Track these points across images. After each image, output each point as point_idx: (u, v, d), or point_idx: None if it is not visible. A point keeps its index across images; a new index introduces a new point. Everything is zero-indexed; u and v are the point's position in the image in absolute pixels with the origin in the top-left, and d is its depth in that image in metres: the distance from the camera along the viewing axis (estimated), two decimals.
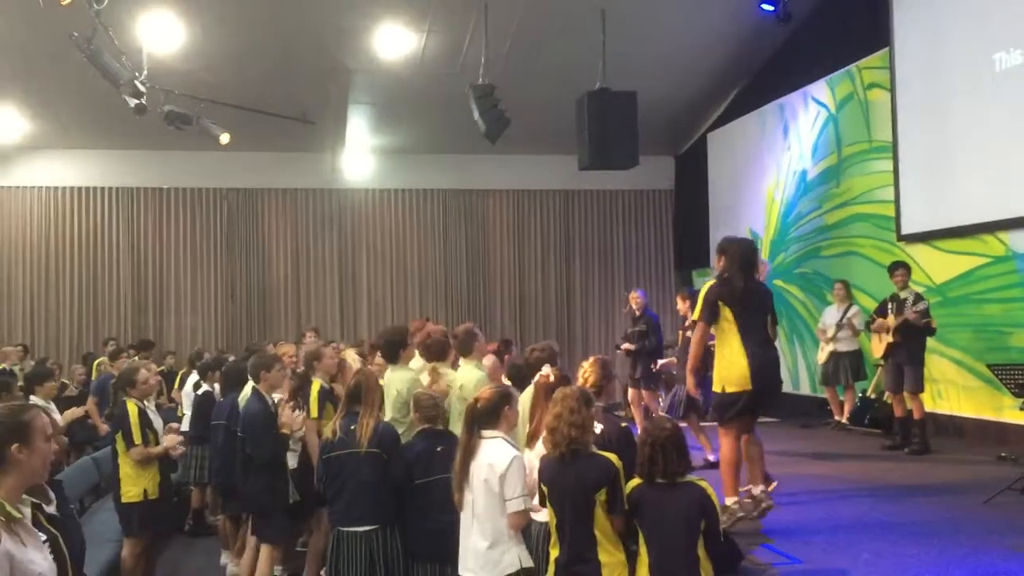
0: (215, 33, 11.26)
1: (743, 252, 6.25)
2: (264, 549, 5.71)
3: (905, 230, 10.47)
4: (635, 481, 4.01)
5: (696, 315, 6.29)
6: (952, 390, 9.74)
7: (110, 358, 10.92)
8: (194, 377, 8.52)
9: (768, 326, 6.19)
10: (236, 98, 11.89)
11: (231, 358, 8.89)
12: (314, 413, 6.10)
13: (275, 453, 5.72)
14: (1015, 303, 9.06)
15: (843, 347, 10.42)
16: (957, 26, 9.69)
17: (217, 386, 7.71)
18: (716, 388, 6.19)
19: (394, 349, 6.02)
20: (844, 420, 10.50)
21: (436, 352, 6.11)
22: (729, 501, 6.02)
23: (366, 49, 11.83)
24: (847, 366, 10.43)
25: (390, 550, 4.84)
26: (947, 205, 9.83)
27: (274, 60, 12.04)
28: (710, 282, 6.30)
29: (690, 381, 6.58)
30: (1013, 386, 7.10)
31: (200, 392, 8.03)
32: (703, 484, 3.95)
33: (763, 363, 6.07)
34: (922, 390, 8.93)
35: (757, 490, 6.07)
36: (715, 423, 6.80)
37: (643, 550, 3.94)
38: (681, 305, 9.36)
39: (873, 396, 10.31)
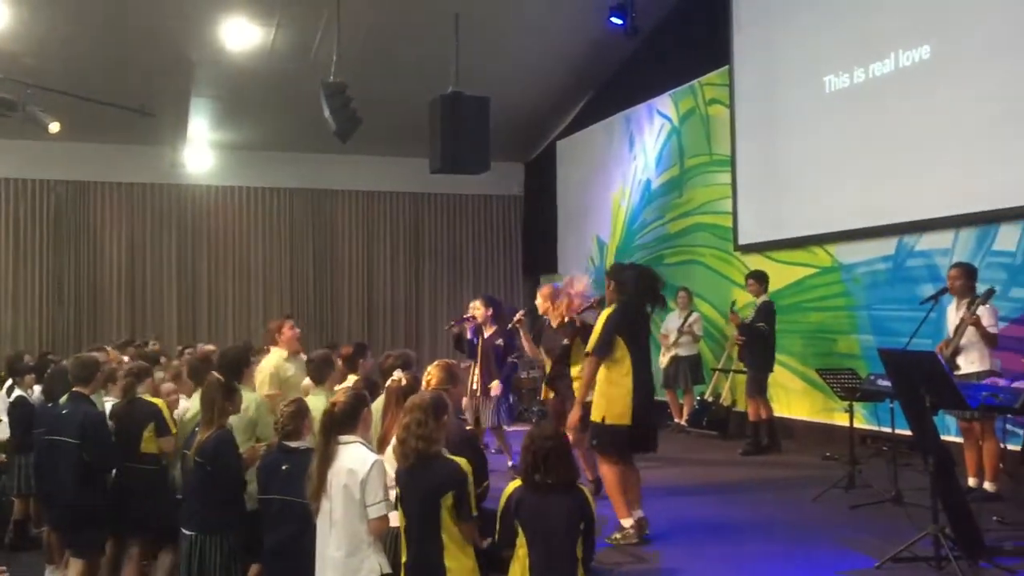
0: (45, 14, 10.58)
1: (643, 279, 6.17)
2: (78, 563, 5.41)
3: (742, 240, 10.96)
4: (515, 483, 4.09)
5: (590, 347, 6.08)
6: (783, 393, 10.25)
7: None
8: (10, 382, 7.90)
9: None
10: (68, 85, 11.17)
11: (64, 361, 8.30)
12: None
13: (114, 462, 5.48)
14: (840, 311, 9.64)
15: (684, 352, 10.83)
16: (791, 49, 10.22)
17: (32, 391, 7.23)
18: (595, 417, 6.04)
19: (236, 369, 5.52)
20: (683, 422, 10.88)
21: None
22: (627, 523, 6.00)
23: (211, 40, 11.38)
24: (687, 370, 10.85)
25: (213, 558, 4.67)
26: (779, 218, 10.36)
27: (111, 46, 11.41)
28: (608, 311, 6.12)
29: (575, 416, 6.22)
30: (839, 389, 7.53)
31: (13, 398, 7.45)
32: (583, 488, 4.12)
33: (646, 400, 6.04)
34: (758, 394, 9.39)
35: (637, 514, 6.09)
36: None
37: (522, 551, 4.01)
38: (480, 312, 8.88)
39: (711, 399, 10.73)
